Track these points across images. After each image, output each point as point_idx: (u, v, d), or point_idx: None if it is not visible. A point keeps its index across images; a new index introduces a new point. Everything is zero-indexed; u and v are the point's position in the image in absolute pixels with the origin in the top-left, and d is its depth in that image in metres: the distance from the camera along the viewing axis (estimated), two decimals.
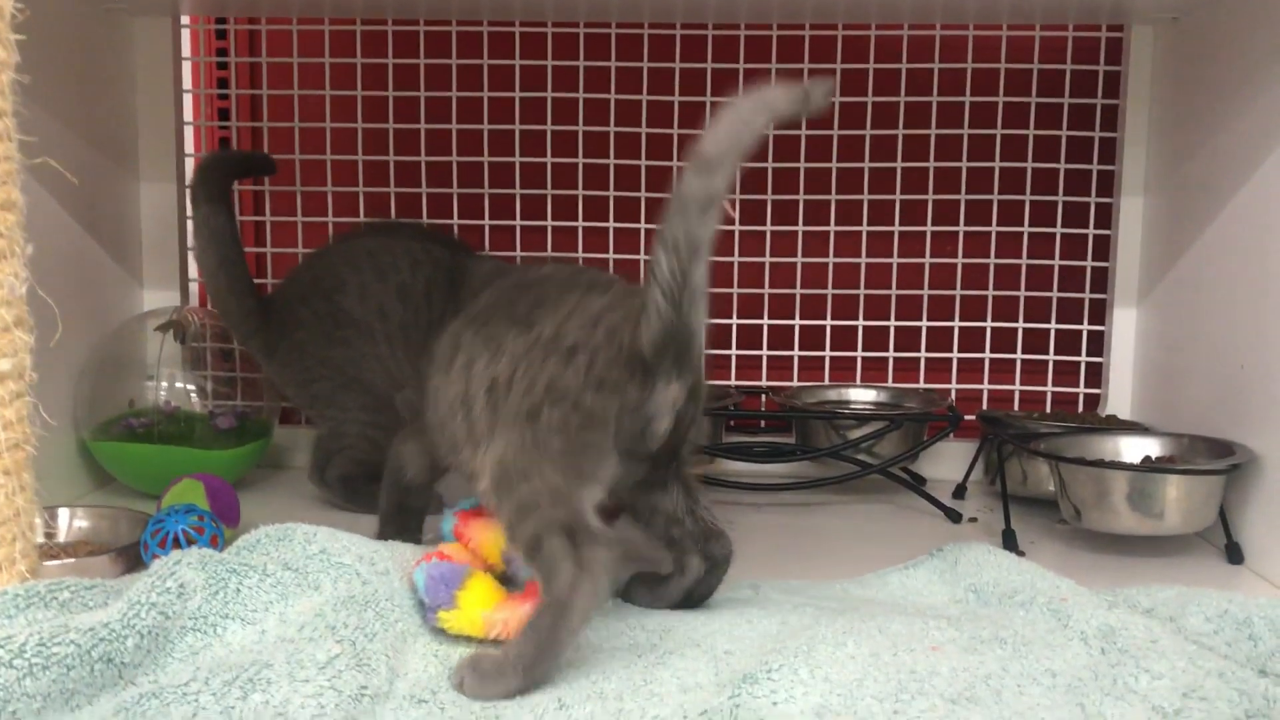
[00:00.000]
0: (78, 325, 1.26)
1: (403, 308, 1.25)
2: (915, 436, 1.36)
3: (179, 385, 1.33)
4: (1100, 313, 1.44)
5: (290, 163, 1.46)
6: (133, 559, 0.99)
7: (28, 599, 0.76)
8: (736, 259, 1.46)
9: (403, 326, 1.25)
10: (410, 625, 0.85)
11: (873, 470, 1.29)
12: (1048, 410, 1.46)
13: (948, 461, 1.41)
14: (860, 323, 1.47)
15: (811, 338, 1.48)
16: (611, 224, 1.46)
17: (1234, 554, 1.11)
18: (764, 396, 1.47)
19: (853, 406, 1.45)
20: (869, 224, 1.45)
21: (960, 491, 1.36)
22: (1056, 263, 1.45)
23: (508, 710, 0.73)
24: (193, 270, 1.41)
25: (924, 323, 1.46)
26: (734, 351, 1.48)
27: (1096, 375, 1.45)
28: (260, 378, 1.35)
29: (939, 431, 1.32)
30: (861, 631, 0.81)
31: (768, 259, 1.46)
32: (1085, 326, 1.45)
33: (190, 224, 1.29)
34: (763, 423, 1.49)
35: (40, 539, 0.83)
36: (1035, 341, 1.46)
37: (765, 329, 1.48)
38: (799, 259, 1.46)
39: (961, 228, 1.45)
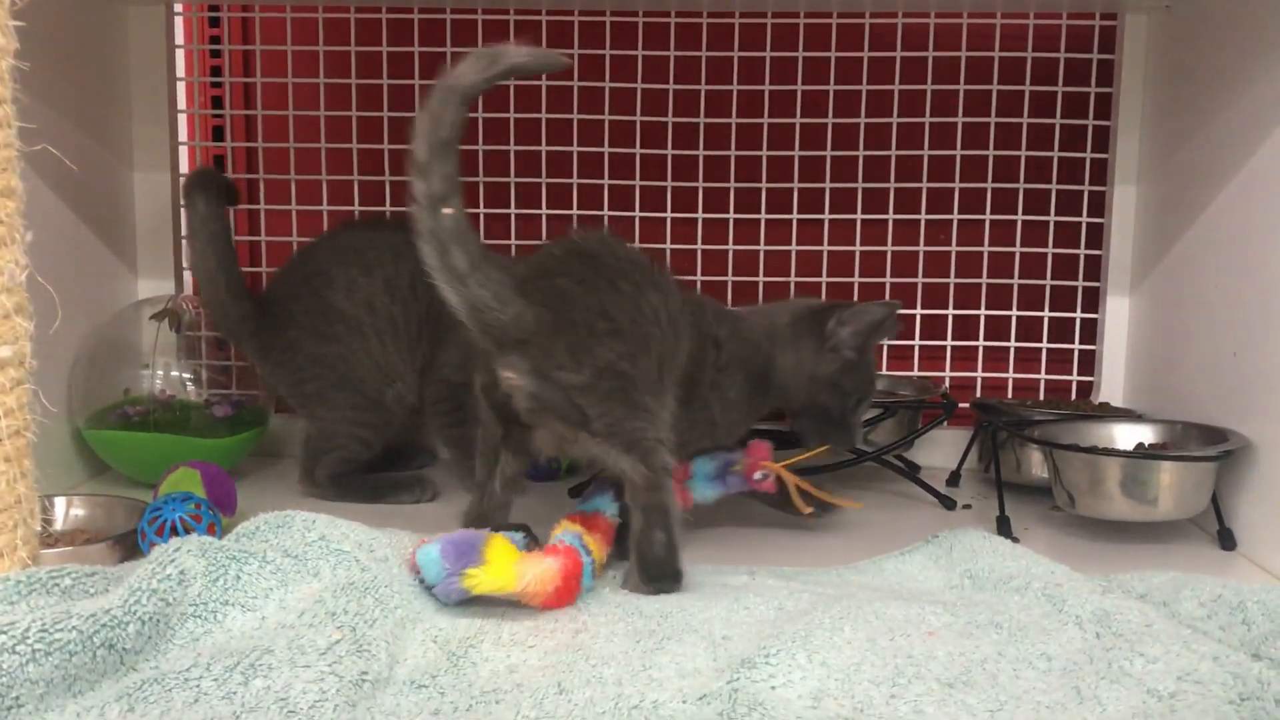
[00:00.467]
0: (72, 314, 1.26)
1: (390, 301, 1.25)
2: (910, 424, 1.37)
3: (174, 374, 1.33)
4: (1093, 300, 1.45)
5: (284, 150, 1.46)
6: (130, 547, 0.99)
7: (29, 585, 0.76)
8: (731, 247, 1.46)
9: (390, 320, 1.26)
10: (410, 611, 0.85)
11: (868, 458, 1.29)
12: (1041, 397, 1.47)
13: (942, 449, 1.42)
14: None
15: None
16: (605, 211, 1.46)
17: (1227, 540, 1.12)
18: None
19: None
20: (863, 212, 1.46)
21: (954, 479, 1.37)
22: (1050, 251, 1.46)
23: (508, 695, 0.73)
24: (187, 259, 1.41)
25: (918, 310, 1.47)
26: None
27: (1090, 362, 1.46)
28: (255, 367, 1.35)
29: (933, 419, 1.33)
30: (858, 617, 0.82)
31: (762, 247, 1.47)
32: (1079, 314, 1.46)
33: (185, 227, 1.28)
34: None
35: (38, 527, 0.83)
36: (1029, 329, 1.47)
37: None
38: (793, 247, 1.46)
39: (955, 216, 1.46)
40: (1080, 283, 1.45)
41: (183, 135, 1.45)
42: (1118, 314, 1.42)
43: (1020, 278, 1.46)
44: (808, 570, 1.02)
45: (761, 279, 1.47)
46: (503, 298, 0.90)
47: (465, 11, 1.43)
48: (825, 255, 1.46)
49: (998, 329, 1.47)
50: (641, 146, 1.45)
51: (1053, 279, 1.46)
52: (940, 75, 1.44)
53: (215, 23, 1.50)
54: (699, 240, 1.47)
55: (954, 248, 1.46)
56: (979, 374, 1.48)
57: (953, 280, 1.47)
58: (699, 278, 1.46)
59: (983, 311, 1.47)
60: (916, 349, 1.48)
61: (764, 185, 1.46)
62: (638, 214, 1.46)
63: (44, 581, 0.77)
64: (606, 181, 1.46)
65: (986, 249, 1.46)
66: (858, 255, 1.46)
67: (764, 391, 1.10)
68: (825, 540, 1.14)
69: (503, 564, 0.86)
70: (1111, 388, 1.43)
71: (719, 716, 0.70)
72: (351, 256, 1.26)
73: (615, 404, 0.93)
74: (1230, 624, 0.84)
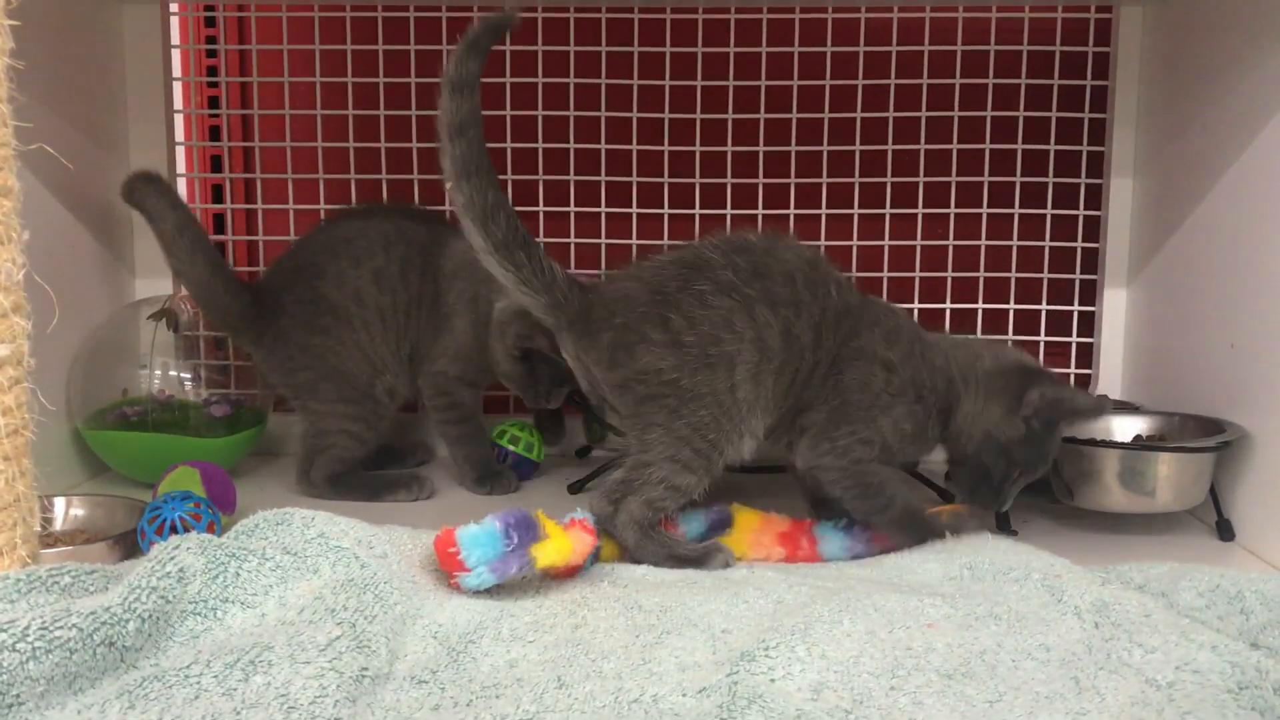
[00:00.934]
0: (70, 313, 1.26)
1: (378, 292, 1.26)
2: None
3: (172, 373, 1.33)
4: (1091, 293, 1.45)
5: (281, 150, 1.46)
6: (130, 546, 0.99)
7: (29, 584, 0.76)
8: None
9: (379, 311, 1.26)
10: (410, 607, 0.85)
11: None
12: None
13: None
14: None
15: None
16: (603, 209, 1.46)
17: (1225, 530, 1.12)
18: None
19: None
20: (860, 207, 1.46)
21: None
22: (1047, 244, 1.46)
23: (508, 690, 0.74)
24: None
25: (915, 305, 1.47)
26: None
27: (1087, 355, 1.46)
28: (254, 365, 1.35)
29: None
30: (858, 609, 0.82)
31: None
32: (1076, 307, 1.46)
33: (160, 238, 1.25)
34: None
35: (37, 527, 0.83)
36: (1026, 322, 1.47)
37: None
38: None
39: (952, 210, 1.46)
40: (1077, 276, 1.46)
41: (179, 135, 1.45)
42: (1115, 306, 1.42)
43: (1017, 271, 1.46)
44: (807, 563, 1.02)
45: None
46: (534, 285, 1.03)
47: (461, 10, 1.43)
48: (823, 253, 1.46)
49: (995, 322, 1.47)
50: (639, 144, 1.45)
51: (1050, 272, 1.46)
52: (936, 69, 1.44)
53: (211, 22, 1.50)
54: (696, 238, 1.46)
55: (951, 241, 1.46)
56: None
57: (950, 274, 1.47)
58: None
59: (980, 305, 1.47)
60: None
61: (760, 181, 1.46)
62: (634, 210, 1.46)
63: (44, 579, 0.77)
64: (602, 178, 1.46)
65: (983, 242, 1.46)
66: (855, 250, 1.46)
67: (943, 425, 1.07)
68: None
69: (561, 539, 0.92)
70: (1109, 380, 1.43)
71: (719, 709, 0.70)
72: (342, 248, 1.26)
73: (653, 409, 1.00)
74: (1228, 614, 0.84)
